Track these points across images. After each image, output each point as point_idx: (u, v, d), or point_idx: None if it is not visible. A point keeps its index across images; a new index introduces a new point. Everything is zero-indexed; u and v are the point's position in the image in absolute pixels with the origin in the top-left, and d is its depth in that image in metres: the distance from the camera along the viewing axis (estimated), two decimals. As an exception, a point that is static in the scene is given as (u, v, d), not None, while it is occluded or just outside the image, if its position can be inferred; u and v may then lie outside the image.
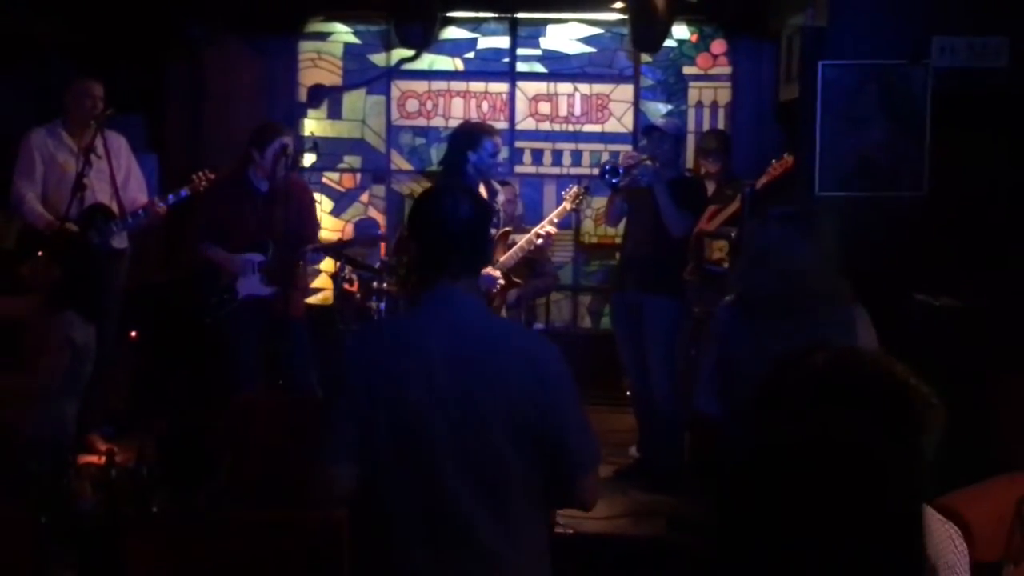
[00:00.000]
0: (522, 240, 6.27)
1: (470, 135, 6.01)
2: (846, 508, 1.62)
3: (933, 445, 1.99)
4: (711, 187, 7.02)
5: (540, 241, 6.28)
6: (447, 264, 2.73)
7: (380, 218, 8.43)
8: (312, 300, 8.08)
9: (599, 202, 8.18)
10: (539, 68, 8.36)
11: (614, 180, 5.89)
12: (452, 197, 2.80)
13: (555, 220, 6.37)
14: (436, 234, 2.75)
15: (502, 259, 6.11)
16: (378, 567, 2.68)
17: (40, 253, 5.78)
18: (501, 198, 6.36)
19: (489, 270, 5.99)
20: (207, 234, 6.17)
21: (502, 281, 6.07)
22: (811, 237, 3.82)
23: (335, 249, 6.80)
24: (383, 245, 7.90)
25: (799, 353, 2.04)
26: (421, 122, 8.40)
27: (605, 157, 8.26)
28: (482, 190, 6.06)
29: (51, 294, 5.03)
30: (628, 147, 8.20)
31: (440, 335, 2.65)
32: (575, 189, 6.57)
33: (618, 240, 6.64)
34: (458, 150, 5.99)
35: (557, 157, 8.35)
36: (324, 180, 8.42)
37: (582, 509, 2.86)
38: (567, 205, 6.52)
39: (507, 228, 6.27)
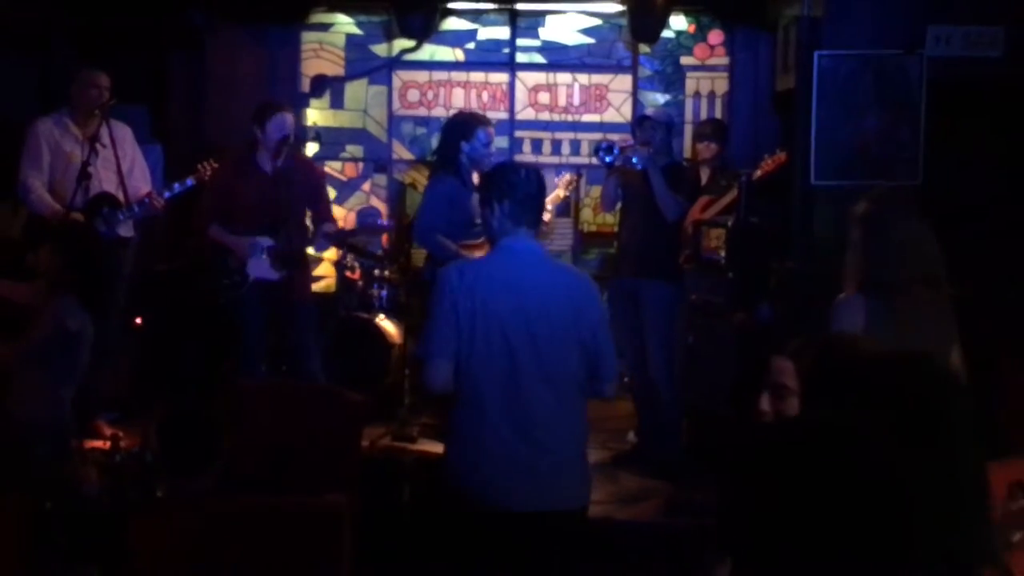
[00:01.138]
0: None
1: (463, 125, 6.05)
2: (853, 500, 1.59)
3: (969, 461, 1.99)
4: (706, 174, 7.06)
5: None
6: (525, 219, 3.72)
7: (382, 207, 8.47)
8: (315, 287, 8.11)
9: (597, 191, 8.23)
10: (538, 59, 8.39)
11: (608, 159, 5.93)
12: (526, 170, 3.84)
13: (549, 207, 6.42)
14: (520, 195, 3.70)
15: None
16: (472, 439, 3.64)
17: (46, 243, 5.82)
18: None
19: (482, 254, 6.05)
20: (214, 216, 6.18)
21: None
22: (918, 216, 3.83)
23: (339, 237, 6.84)
24: (384, 235, 7.95)
25: (846, 340, 2.06)
26: (422, 112, 8.44)
27: (604, 147, 8.32)
28: (476, 178, 6.11)
29: (52, 281, 5.07)
30: (627, 136, 8.23)
31: (525, 269, 3.69)
32: (568, 176, 6.63)
33: (616, 228, 6.68)
34: (452, 140, 6.05)
35: (556, 147, 8.39)
36: (326, 169, 8.44)
37: (608, 398, 4.02)
38: (560, 192, 6.58)
39: None
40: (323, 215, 6.41)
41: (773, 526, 1.61)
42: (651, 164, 5.91)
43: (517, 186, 3.73)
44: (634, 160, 5.93)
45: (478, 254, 6.02)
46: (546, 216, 6.33)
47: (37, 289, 5.12)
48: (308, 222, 6.37)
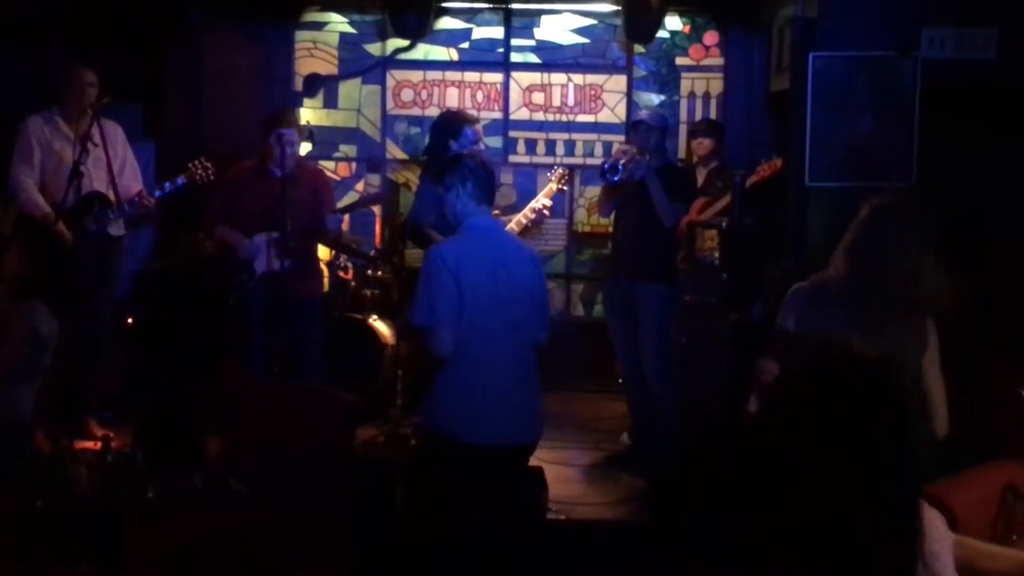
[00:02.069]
0: (518, 216, 6.41)
1: (450, 124, 6.08)
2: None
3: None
4: (702, 175, 7.07)
5: (534, 216, 6.53)
6: (485, 198, 4.42)
7: (375, 207, 8.46)
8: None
9: (591, 191, 8.24)
10: (533, 59, 8.39)
11: (614, 178, 5.99)
12: (479, 158, 4.64)
13: (543, 200, 6.50)
14: (479, 178, 4.38)
15: None
16: (463, 390, 4.25)
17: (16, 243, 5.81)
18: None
19: None
20: (223, 217, 6.26)
21: None
22: (923, 236, 3.65)
23: (349, 209, 6.99)
24: (378, 234, 7.94)
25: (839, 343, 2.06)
26: (416, 111, 8.43)
27: (598, 147, 8.31)
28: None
29: (20, 283, 5.06)
30: (621, 137, 8.24)
31: (495, 245, 4.41)
32: (560, 170, 6.67)
33: (611, 229, 6.69)
34: (440, 139, 6.07)
35: (551, 147, 8.38)
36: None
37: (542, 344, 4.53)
38: (553, 185, 6.65)
39: (496, 211, 6.30)
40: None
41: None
42: (650, 173, 5.94)
43: (475, 170, 4.40)
44: (635, 173, 5.96)
45: None
46: (547, 202, 6.45)
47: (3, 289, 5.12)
48: None
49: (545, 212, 6.57)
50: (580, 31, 8.34)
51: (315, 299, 6.43)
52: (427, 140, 6.58)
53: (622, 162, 5.97)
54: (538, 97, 8.37)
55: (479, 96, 8.35)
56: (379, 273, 7.22)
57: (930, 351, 3.73)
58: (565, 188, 6.89)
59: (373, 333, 7.05)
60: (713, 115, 8.15)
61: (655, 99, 8.29)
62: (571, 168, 7.32)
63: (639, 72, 8.33)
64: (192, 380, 6.57)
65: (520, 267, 4.39)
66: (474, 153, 5.39)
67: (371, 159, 8.46)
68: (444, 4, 8.23)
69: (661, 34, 8.07)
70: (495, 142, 8.10)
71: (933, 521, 2.29)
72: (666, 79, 8.31)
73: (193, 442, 5.08)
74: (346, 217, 8.34)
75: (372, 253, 7.28)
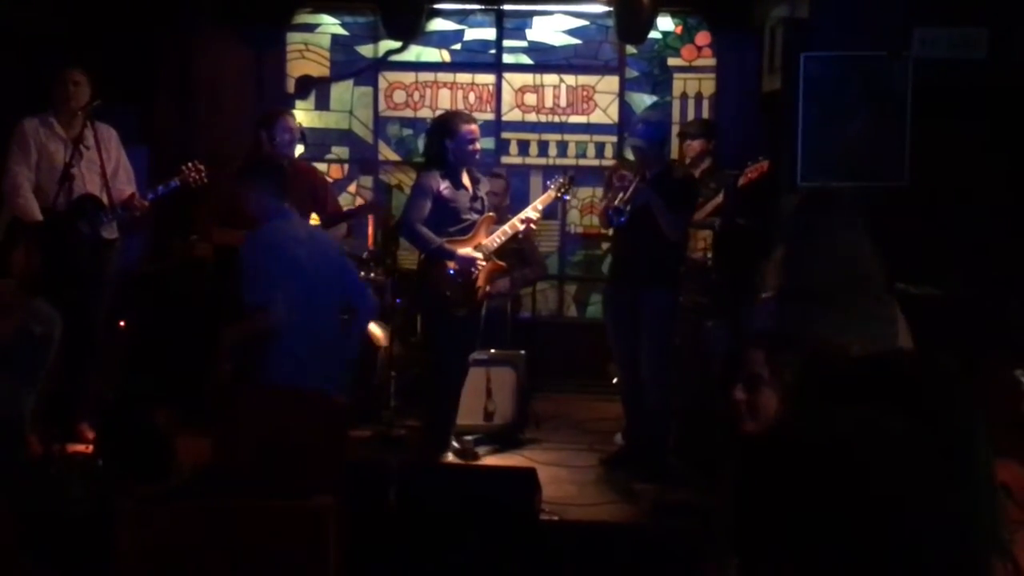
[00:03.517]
0: (505, 225, 6.30)
1: (447, 125, 6.06)
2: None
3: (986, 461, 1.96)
4: (697, 175, 7.06)
5: (523, 227, 6.28)
6: (285, 195, 5.23)
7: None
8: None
9: (584, 192, 8.24)
10: (525, 60, 8.39)
11: (623, 219, 5.97)
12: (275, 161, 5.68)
13: (539, 207, 6.40)
14: (278, 178, 5.28)
15: (484, 242, 6.14)
16: (286, 357, 4.95)
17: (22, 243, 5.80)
18: (486, 187, 6.41)
19: (468, 251, 6.03)
20: (223, 220, 6.28)
21: (483, 263, 6.09)
22: (854, 222, 3.73)
23: (345, 217, 7.07)
24: (371, 236, 7.93)
25: (835, 345, 2.04)
26: (408, 113, 8.43)
27: (591, 148, 8.33)
28: (464, 177, 6.11)
29: (30, 280, 5.06)
30: (613, 138, 8.25)
31: (304, 235, 5.26)
32: (562, 179, 6.60)
33: (604, 231, 6.68)
34: (437, 140, 6.06)
35: (543, 148, 8.39)
36: (312, 171, 8.44)
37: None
38: (552, 193, 6.55)
39: (490, 214, 6.29)
40: (333, 216, 6.74)
41: (778, 530, 1.59)
42: (652, 198, 5.93)
43: (274, 171, 5.33)
44: (638, 201, 5.94)
45: (463, 249, 6.03)
46: (535, 215, 6.35)
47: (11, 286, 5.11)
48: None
49: (532, 225, 6.40)
50: (572, 32, 8.34)
51: None
52: (424, 141, 6.55)
53: (623, 200, 5.93)
54: (530, 98, 8.38)
55: (471, 97, 8.36)
56: (372, 275, 7.21)
57: (902, 334, 3.74)
58: (565, 197, 6.83)
59: (366, 335, 7.03)
60: (706, 116, 8.15)
61: (647, 100, 8.30)
62: (565, 171, 7.28)
63: (631, 73, 8.33)
64: (168, 382, 6.53)
65: (334, 250, 5.48)
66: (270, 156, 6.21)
67: (363, 161, 8.46)
68: (436, 6, 8.23)
69: (653, 35, 8.08)
70: (487, 143, 8.10)
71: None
72: (658, 80, 8.32)
73: (160, 447, 5.08)
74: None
75: (365, 255, 7.27)
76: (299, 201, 6.09)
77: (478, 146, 6.13)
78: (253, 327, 5.04)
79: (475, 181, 6.17)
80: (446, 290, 6.03)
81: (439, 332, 6.17)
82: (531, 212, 6.30)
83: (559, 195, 6.61)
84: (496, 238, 6.19)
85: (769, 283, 3.78)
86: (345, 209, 7.37)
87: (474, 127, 6.07)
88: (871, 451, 1.58)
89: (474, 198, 6.14)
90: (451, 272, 6.02)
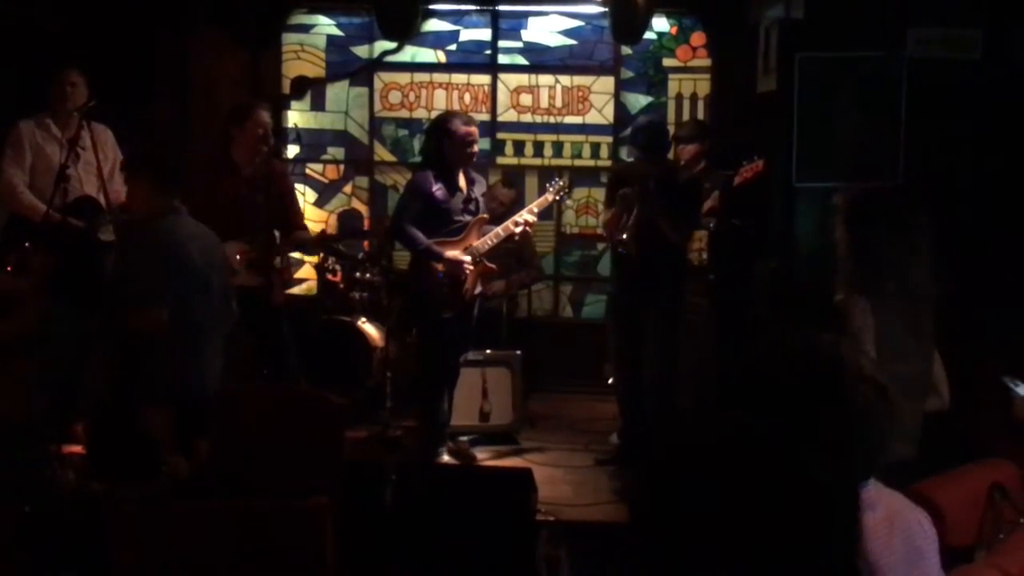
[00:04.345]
0: (498, 227, 6.25)
1: (446, 125, 6.04)
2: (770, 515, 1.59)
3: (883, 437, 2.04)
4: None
5: (517, 230, 6.20)
6: (177, 191, 5.08)
7: (363, 209, 8.47)
8: (296, 290, 8.11)
9: (580, 193, 8.24)
10: (520, 60, 8.40)
11: (622, 251, 5.98)
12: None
13: (535, 210, 6.35)
14: (174, 176, 5.11)
15: (475, 244, 6.11)
16: (185, 351, 4.98)
17: (27, 244, 5.79)
18: (481, 188, 6.37)
19: (456, 253, 6.01)
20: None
21: (471, 266, 6.06)
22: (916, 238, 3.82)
23: (319, 241, 6.82)
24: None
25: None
26: (404, 114, 8.43)
27: (586, 149, 8.33)
28: (460, 179, 6.10)
29: (40, 282, 5.06)
30: (608, 139, 8.25)
31: (196, 232, 5.09)
32: (560, 183, 6.56)
33: (599, 231, 6.67)
34: (434, 140, 6.04)
35: (538, 148, 8.39)
36: (308, 172, 8.44)
37: None
38: (549, 196, 6.50)
39: (483, 215, 6.25)
40: (297, 224, 6.37)
41: (686, 525, 1.64)
42: (657, 213, 5.94)
43: (176, 167, 5.23)
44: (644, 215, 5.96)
45: (452, 251, 6.01)
46: (531, 219, 6.30)
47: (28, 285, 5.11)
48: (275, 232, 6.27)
49: (528, 229, 6.35)
50: (567, 32, 8.35)
51: (279, 308, 6.22)
52: (422, 141, 6.53)
53: (628, 229, 5.93)
54: (526, 99, 8.38)
55: (467, 98, 8.36)
56: (367, 276, 7.21)
57: (936, 365, 3.87)
58: (563, 201, 6.81)
59: (362, 335, 7.04)
60: (701, 116, 8.15)
61: (643, 100, 8.31)
62: (560, 172, 7.28)
63: (626, 73, 8.34)
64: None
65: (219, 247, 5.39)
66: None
67: (359, 161, 8.46)
68: (431, 6, 8.23)
69: (648, 35, 8.08)
70: (483, 144, 8.08)
71: (919, 519, 2.30)
72: (653, 80, 8.33)
73: (148, 448, 5.07)
74: (333, 218, 8.39)
75: (360, 256, 7.27)
76: (270, 205, 6.02)
77: (476, 148, 6.10)
78: (138, 326, 4.92)
79: (471, 182, 6.15)
80: (433, 291, 6.02)
81: (427, 332, 6.17)
82: (526, 215, 6.25)
83: (556, 199, 6.57)
84: (488, 240, 6.15)
85: (842, 285, 3.77)
86: (320, 233, 7.22)
87: (473, 129, 6.05)
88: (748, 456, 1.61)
89: (468, 199, 6.11)
90: (439, 274, 6.01)
